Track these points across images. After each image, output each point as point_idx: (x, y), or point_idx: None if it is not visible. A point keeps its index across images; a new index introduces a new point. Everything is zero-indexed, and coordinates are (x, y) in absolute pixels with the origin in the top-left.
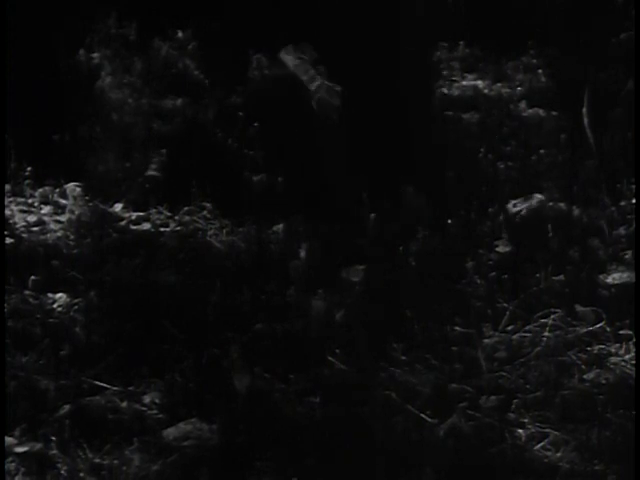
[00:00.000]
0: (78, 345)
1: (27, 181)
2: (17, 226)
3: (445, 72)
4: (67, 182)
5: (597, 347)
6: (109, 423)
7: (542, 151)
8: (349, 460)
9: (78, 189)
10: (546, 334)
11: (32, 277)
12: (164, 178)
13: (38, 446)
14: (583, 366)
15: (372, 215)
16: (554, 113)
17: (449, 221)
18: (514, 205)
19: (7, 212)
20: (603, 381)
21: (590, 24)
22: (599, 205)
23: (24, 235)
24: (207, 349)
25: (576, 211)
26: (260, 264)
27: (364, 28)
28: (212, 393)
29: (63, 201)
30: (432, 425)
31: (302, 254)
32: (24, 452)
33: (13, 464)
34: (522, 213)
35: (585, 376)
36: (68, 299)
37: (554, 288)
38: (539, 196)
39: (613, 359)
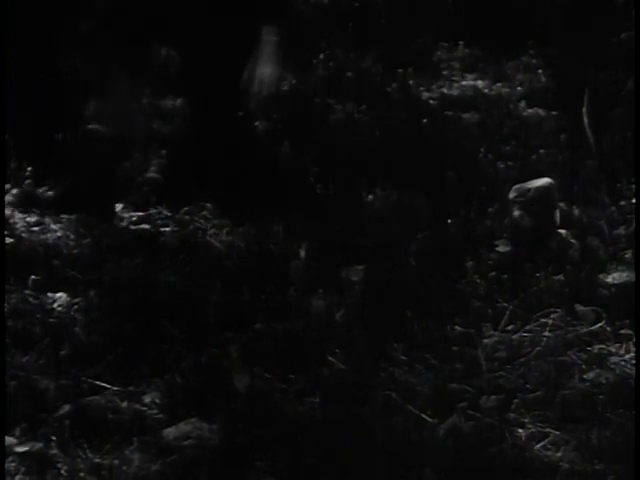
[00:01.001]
0: (78, 345)
1: (27, 181)
2: (17, 226)
3: (445, 72)
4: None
5: (597, 347)
6: (109, 423)
7: (542, 151)
8: (349, 460)
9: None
10: (546, 334)
11: (32, 277)
12: (164, 178)
13: (38, 446)
14: (583, 366)
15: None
16: (554, 113)
17: (449, 221)
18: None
19: (7, 212)
20: (603, 381)
21: (590, 24)
22: (599, 205)
23: (24, 235)
24: (207, 349)
25: (576, 211)
26: (260, 264)
27: None
28: (212, 393)
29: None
30: (432, 425)
31: (302, 254)
32: (24, 452)
33: (13, 464)
34: (530, 194)
35: (585, 376)
36: (68, 299)
37: (554, 288)
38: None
39: (613, 359)
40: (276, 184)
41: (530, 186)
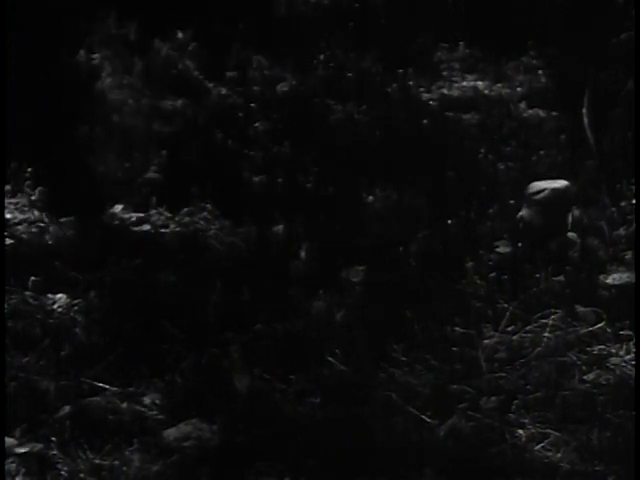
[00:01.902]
0: (78, 345)
1: (27, 181)
2: (17, 227)
3: (445, 73)
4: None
5: (597, 348)
6: (109, 424)
7: (542, 151)
8: (349, 460)
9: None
10: (546, 335)
11: (32, 278)
12: (164, 179)
13: (38, 447)
14: (583, 367)
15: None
16: (554, 113)
17: (449, 221)
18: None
19: (7, 212)
20: (603, 382)
21: (590, 24)
22: (599, 205)
23: (24, 235)
24: (207, 349)
25: (576, 211)
26: (260, 264)
27: None
28: (212, 393)
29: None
30: (432, 426)
31: (302, 254)
32: (24, 453)
33: (13, 465)
34: (545, 194)
35: (585, 377)
36: (68, 300)
37: (554, 288)
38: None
39: (613, 360)
40: (276, 184)
41: (547, 186)
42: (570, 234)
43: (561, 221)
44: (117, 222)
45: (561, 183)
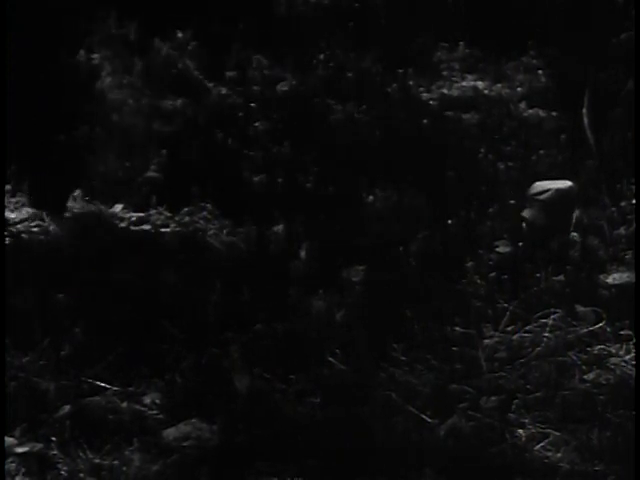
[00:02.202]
0: (78, 345)
1: (27, 181)
2: (17, 226)
3: (445, 72)
4: (67, 182)
5: (597, 347)
6: (109, 423)
7: (542, 151)
8: (349, 460)
9: (78, 189)
10: (546, 334)
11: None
12: (164, 178)
13: (38, 446)
14: (583, 366)
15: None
16: (554, 113)
17: (449, 221)
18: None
19: (7, 212)
20: (603, 381)
21: (590, 24)
22: (599, 205)
23: (24, 235)
24: (207, 349)
25: (576, 211)
26: (260, 264)
27: None
28: (212, 393)
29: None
30: (432, 425)
31: (302, 254)
32: (24, 452)
33: (13, 464)
34: (549, 194)
35: (585, 376)
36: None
37: (554, 288)
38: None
39: (613, 359)
40: (276, 184)
41: (551, 187)
42: (572, 234)
43: (564, 221)
44: (117, 222)
45: (565, 183)
